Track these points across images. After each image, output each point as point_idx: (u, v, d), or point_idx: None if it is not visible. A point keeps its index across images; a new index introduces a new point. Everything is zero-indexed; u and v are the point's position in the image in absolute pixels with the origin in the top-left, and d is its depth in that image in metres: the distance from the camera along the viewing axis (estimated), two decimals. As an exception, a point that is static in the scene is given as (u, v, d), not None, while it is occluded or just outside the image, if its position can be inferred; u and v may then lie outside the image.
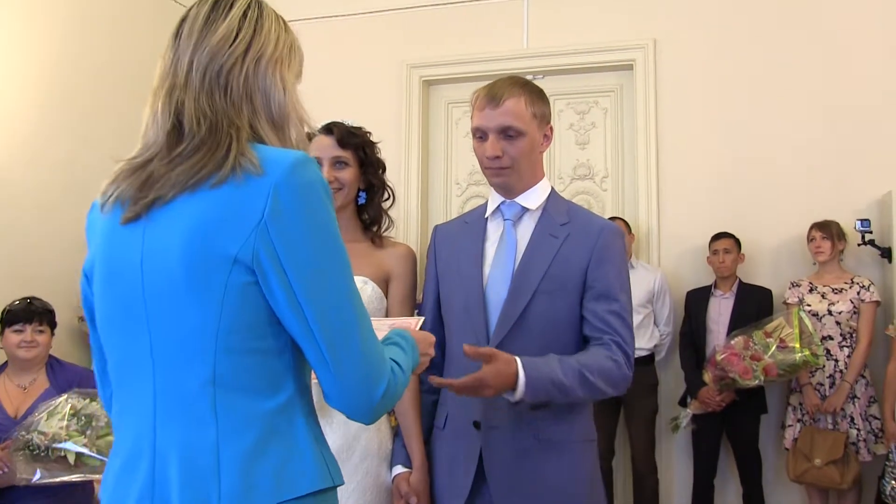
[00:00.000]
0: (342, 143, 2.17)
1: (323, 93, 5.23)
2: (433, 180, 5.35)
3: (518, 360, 1.75)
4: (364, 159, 2.21)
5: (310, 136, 2.18)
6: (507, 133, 1.91)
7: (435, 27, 5.25)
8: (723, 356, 3.98)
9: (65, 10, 4.44)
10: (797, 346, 3.88)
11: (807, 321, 3.97)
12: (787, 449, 4.19)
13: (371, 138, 2.28)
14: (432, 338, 1.58)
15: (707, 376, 4.11)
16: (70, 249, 4.43)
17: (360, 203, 2.24)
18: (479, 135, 1.95)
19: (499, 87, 1.92)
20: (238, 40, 1.26)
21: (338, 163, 2.16)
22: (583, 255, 1.91)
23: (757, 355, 3.91)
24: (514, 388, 1.74)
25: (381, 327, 1.54)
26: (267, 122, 1.27)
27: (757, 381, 3.93)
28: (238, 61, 1.25)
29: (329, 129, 2.19)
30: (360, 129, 2.26)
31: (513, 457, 1.87)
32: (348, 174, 2.17)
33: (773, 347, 3.90)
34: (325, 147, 2.16)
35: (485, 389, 1.71)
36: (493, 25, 5.13)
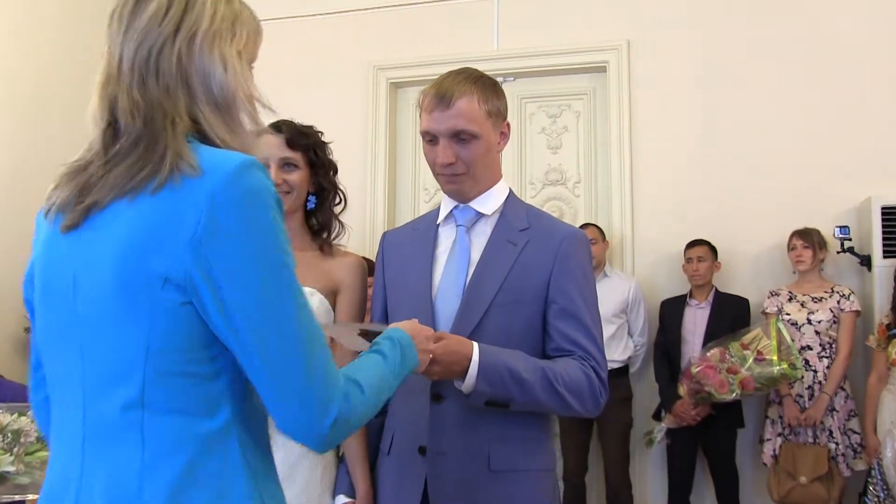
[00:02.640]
0: (291, 144, 2.03)
1: (287, 93, 5.04)
2: (400, 186, 5.17)
3: (474, 343, 1.60)
4: (314, 161, 2.06)
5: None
6: (459, 137, 1.73)
7: (402, 28, 5.10)
8: (698, 369, 3.84)
9: (7, 12, 4.26)
10: (775, 358, 3.75)
11: (784, 332, 3.84)
12: (765, 464, 4.06)
13: (322, 138, 2.12)
14: (429, 331, 1.51)
15: (682, 389, 3.97)
16: (13, 258, 4.20)
17: (309, 208, 2.08)
18: (430, 138, 1.77)
19: (448, 86, 1.74)
20: (167, 18, 1.13)
21: (287, 164, 2.02)
22: (544, 265, 1.74)
23: (734, 368, 3.78)
24: (464, 373, 1.58)
25: (351, 332, 1.52)
26: (209, 105, 1.14)
27: (734, 395, 3.80)
28: (168, 41, 1.13)
29: (278, 127, 2.02)
30: (310, 128, 2.11)
31: (461, 486, 1.68)
32: (297, 177, 2.02)
33: (751, 360, 3.76)
34: (273, 147, 2.00)
35: (432, 366, 1.53)
36: (462, 26, 4.98)
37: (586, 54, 4.78)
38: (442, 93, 1.73)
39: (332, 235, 2.12)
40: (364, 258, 2.24)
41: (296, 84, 5.05)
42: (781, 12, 4.50)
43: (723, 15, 4.60)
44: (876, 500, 3.58)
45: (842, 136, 4.33)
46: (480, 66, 4.97)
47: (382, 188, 5.01)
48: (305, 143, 2.04)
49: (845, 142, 4.32)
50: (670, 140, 4.62)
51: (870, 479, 3.67)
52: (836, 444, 3.90)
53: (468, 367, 1.58)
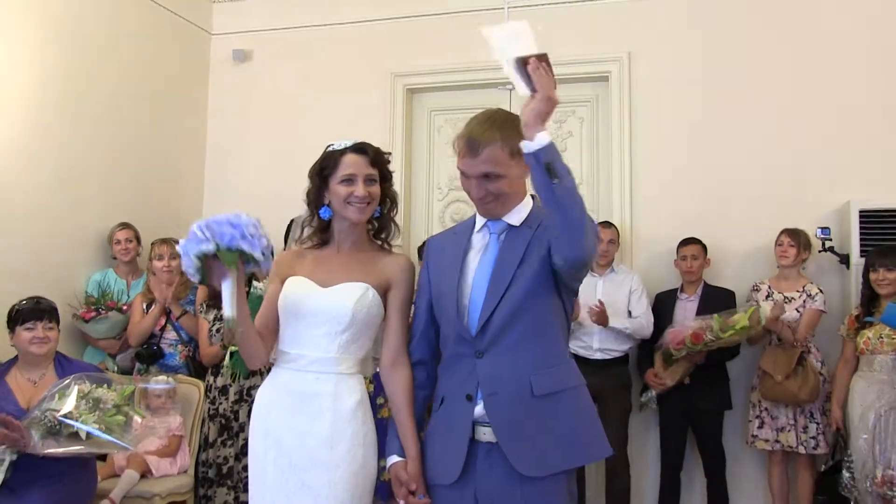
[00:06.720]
0: (373, 162, 2.34)
1: (309, 100, 5.43)
2: (416, 185, 5.55)
3: None
4: (385, 175, 2.38)
5: (334, 153, 2.34)
6: (487, 177, 2.10)
7: (419, 37, 5.43)
8: (670, 329, 4.34)
9: (59, 11, 4.57)
10: (741, 317, 4.15)
11: (761, 314, 4.18)
12: (747, 443, 4.43)
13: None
14: None
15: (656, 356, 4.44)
16: (64, 247, 4.57)
17: (375, 215, 2.40)
18: (464, 176, 2.14)
19: (476, 135, 2.07)
20: None
21: (370, 179, 2.32)
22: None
23: (698, 333, 4.21)
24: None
25: None
26: None
27: (685, 352, 4.25)
28: None
29: (362, 149, 2.34)
30: (379, 148, 2.42)
31: (516, 414, 2.05)
32: (377, 189, 2.35)
33: (717, 326, 4.17)
34: (360, 165, 2.31)
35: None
36: (475, 36, 5.22)
37: (590, 65, 5.10)
38: (471, 143, 2.08)
39: (391, 236, 2.44)
40: None
41: (320, 89, 5.42)
42: (772, 27, 4.84)
43: (717, 30, 4.94)
44: (847, 474, 3.91)
45: (825, 145, 4.68)
46: (491, 74, 5.38)
47: (399, 186, 5.33)
48: (382, 161, 2.37)
49: (828, 150, 4.67)
50: (667, 145, 4.98)
51: (845, 459, 3.99)
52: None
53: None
